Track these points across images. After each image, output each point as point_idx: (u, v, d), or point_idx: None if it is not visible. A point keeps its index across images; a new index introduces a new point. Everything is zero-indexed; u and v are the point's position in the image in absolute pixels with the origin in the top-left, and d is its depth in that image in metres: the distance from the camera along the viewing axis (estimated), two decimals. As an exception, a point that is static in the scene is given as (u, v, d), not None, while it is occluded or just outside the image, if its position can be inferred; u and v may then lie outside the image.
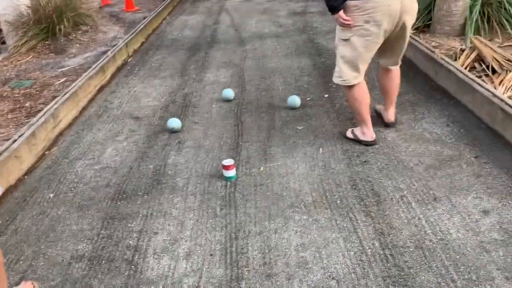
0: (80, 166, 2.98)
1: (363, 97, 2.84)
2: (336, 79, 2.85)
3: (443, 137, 2.90)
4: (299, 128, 3.22)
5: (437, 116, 3.18)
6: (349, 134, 3.01)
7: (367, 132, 2.90)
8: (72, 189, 2.73)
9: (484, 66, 3.52)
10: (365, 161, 2.72)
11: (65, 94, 3.77)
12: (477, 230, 2.06)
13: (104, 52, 5.23)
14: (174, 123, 3.34)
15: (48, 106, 3.53)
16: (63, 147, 3.27)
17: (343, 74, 2.77)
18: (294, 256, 2.02)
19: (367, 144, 2.89)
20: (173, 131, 3.34)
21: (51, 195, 2.69)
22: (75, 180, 2.83)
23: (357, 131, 2.96)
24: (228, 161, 2.65)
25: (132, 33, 5.78)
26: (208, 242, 2.17)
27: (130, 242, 2.23)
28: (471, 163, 2.58)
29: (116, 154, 3.10)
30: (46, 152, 3.20)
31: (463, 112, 3.18)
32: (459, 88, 3.31)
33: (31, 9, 5.58)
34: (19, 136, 3.03)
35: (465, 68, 3.54)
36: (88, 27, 6.20)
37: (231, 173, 2.65)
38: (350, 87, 2.80)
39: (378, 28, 2.55)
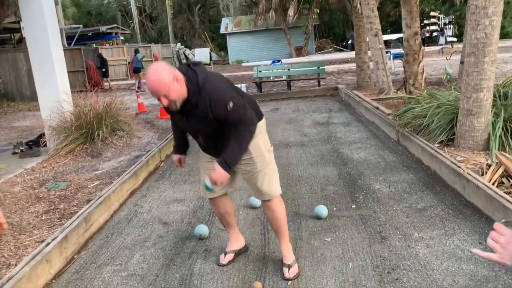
0: (107, 272, 2.99)
1: None
2: (277, 191, 2.67)
3: (476, 255, 2.82)
4: (327, 239, 3.20)
5: (468, 232, 3.12)
6: (291, 274, 2.71)
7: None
8: (98, 296, 2.71)
9: (512, 182, 3.53)
10: (397, 279, 2.64)
11: (98, 198, 3.91)
12: None
13: (138, 156, 5.48)
14: (202, 229, 3.38)
15: (82, 210, 3.65)
16: (92, 251, 3.31)
17: (278, 185, 2.68)
18: None
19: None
20: (200, 238, 3.36)
21: (77, 302, 2.66)
22: (101, 287, 2.81)
23: (291, 257, 2.77)
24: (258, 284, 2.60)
25: (166, 139, 6.10)
26: None
27: None
28: (509, 286, 2.47)
29: (144, 261, 3.11)
30: (75, 256, 3.24)
31: (495, 229, 3.11)
32: (489, 204, 3.28)
33: (75, 116, 6.04)
34: (52, 240, 3.10)
35: (493, 184, 3.54)
36: (124, 132, 6.60)
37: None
38: (279, 197, 2.70)
39: None
